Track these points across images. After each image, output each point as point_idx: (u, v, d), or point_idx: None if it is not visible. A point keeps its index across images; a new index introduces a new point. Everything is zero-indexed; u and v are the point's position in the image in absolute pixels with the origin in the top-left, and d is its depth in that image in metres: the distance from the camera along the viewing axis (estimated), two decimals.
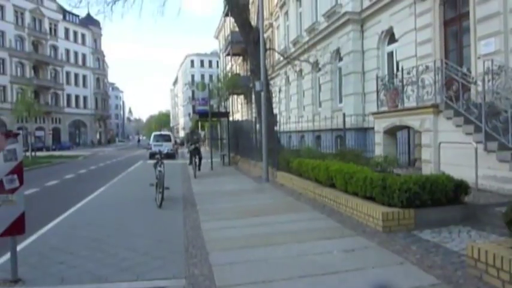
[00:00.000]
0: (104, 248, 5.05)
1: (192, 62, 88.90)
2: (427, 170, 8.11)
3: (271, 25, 27.93)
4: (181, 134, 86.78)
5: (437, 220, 5.28)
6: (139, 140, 70.27)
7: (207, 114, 17.43)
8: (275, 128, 13.32)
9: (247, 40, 14.99)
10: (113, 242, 5.31)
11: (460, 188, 5.51)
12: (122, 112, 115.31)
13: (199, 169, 13.61)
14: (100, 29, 67.77)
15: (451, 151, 7.61)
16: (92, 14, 54.66)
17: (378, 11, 13.48)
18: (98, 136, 71.12)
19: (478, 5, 8.91)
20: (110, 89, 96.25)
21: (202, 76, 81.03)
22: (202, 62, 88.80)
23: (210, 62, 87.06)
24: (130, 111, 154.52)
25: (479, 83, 7.73)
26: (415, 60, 10.90)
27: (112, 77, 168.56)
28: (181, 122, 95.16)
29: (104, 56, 73.64)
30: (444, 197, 5.40)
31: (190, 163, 14.02)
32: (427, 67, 8.82)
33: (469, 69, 8.75)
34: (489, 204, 5.62)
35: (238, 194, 9.20)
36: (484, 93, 7.32)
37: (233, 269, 4.00)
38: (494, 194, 6.33)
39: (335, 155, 9.72)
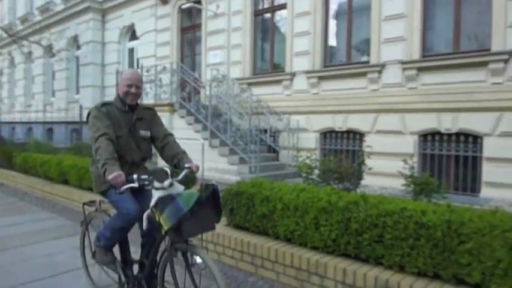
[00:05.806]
0: None
1: None
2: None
3: None
4: None
5: None
6: None
7: None
8: None
9: None
10: None
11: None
12: None
13: None
14: None
15: (186, 147, 8.22)
16: None
17: (120, 5, 13.36)
18: None
19: (208, 20, 10.21)
20: None
21: None
22: None
23: None
24: None
25: (207, 88, 8.90)
26: (155, 60, 11.46)
27: None
28: None
29: None
30: None
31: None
32: (164, 68, 9.44)
33: (200, 75, 9.91)
34: None
35: None
36: (210, 97, 8.51)
37: None
38: (217, 183, 7.43)
39: (70, 149, 9.08)
